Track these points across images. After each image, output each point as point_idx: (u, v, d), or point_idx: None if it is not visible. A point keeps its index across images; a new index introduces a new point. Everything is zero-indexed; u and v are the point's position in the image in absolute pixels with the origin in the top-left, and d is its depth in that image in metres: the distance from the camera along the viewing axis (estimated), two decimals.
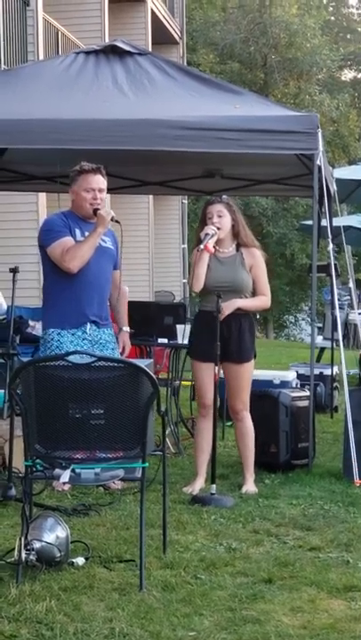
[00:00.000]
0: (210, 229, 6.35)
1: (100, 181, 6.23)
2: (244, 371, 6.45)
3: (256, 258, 6.54)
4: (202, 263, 6.35)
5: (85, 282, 6.20)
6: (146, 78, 7.87)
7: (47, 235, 6.28)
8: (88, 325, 6.27)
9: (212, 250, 6.36)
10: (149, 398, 4.46)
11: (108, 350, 6.31)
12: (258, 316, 36.10)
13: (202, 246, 6.31)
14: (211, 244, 6.34)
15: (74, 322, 6.25)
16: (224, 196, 6.63)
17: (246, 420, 6.52)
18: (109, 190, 11.40)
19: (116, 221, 6.26)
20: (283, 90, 34.86)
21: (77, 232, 6.23)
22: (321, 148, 7.09)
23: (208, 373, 6.38)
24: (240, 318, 6.41)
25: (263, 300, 6.57)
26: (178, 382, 8.10)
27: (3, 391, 7.75)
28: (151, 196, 20.47)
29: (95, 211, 6.16)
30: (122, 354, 6.51)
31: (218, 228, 6.38)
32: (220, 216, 6.43)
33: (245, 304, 6.46)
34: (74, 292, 6.20)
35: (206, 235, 6.33)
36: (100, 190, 6.23)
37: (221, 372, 6.47)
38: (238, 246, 6.51)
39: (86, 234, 6.19)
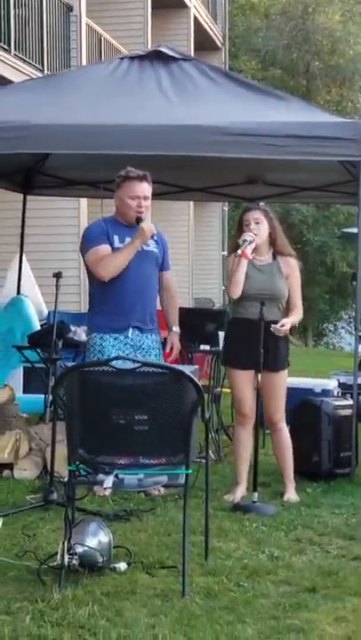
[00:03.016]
0: (248, 236, 6.31)
1: (145, 189, 6.24)
2: (281, 379, 6.40)
3: (293, 267, 6.51)
4: (240, 270, 6.30)
5: (127, 287, 6.22)
6: (190, 84, 7.86)
7: (86, 242, 6.35)
8: (130, 330, 6.28)
9: (250, 256, 6.31)
10: (194, 405, 4.44)
11: (152, 356, 6.31)
12: (298, 324, 36.03)
13: (239, 252, 6.28)
14: (249, 250, 6.29)
15: (116, 327, 6.28)
16: (261, 203, 6.59)
17: (285, 430, 6.48)
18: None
19: (155, 241, 6.31)
20: (325, 97, 34.73)
21: (116, 238, 6.26)
22: None
23: (248, 382, 6.35)
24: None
25: (301, 313, 6.54)
26: (219, 389, 8.07)
27: (44, 396, 7.79)
28: (192, 203, 20.47)
29: (138, 219, 6.17)
30: (170, 354, 6.50)
31: (255, 235, 6.35)
32: (257, 223, 6.38)
33: (293, 320, 6.44)
34: (115, 297, 6.23)
35: (244, 241, 6.29)
36: (145, 198, 6.24)
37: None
38: (275, 254, 6.48)
39: (126, 239, 6.22)
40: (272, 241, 6.48)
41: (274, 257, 6.48)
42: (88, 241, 6.32)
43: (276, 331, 6.24)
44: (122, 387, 4.41)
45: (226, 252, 24.27)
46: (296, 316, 6.48)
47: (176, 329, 6.63)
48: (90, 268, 6.30)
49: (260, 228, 6.39)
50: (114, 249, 6.22)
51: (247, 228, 6.37)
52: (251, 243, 6.30)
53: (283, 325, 6.27)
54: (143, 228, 6.16)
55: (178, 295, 6.84)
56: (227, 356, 6.57)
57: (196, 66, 8.16)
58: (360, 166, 7.02)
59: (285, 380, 6.48)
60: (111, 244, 6.24)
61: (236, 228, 6.60)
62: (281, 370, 6.40)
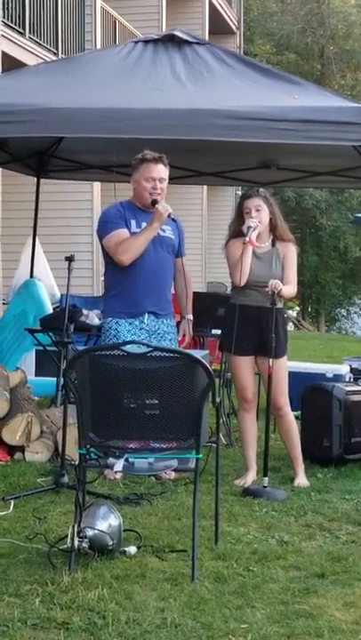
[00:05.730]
0: (252, 222, 6.28)
1: (161, 171, 6.23)
2: (282, 365, 6.40)
3: (289, 249, 6.46)
4: (247, 257, 6.29)
5: (144, 272, 6.21)
6: (204, 68, 7.81)
7: (103, 226, 6.33)
8: (146, 316, 6.28)
9: (256, 243, 6.30)
10: (204, 389, 4.44)
11: (167, 341, 6.31)
12: (310, 309, 35.86)
13: (247, 239, 6.26)
14: (254, 237, 6.28)
15: (132, 312, 6.27)
16: (261, 190, 6.57)
17: (290, 415, 6.48)
18: None
19: (173, 219, 6.28)
20: (339, 81, 34.61)
21: (133, 223, 6.24)
22: None
23: (249, 367, 6.39)
24: (275, 313, 6.23)
25: (294, 288, 6.43)
26: (230, 374, 8.06)
27: (55, 379, 7.80)
28: (205, 187, 20.43)
29: (154, 202, 6.16)
30: (181, 342, 6.50)
31: (258, 222, 6.33)
32: (258, 210, 6.36)
33: (287, 290, 6.29)
34: (132, 282, 6.22)
35: (249, 227, 6.27)
36: (161, 180, 6.23)
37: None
38: (274, 241, 6.47)
39: (143, 224, 6.20)
40: (273, 227, 6.46)
41: (273, 243, 6.47)
42: (106, 225, 6.31)
43: (271, 286, 6.14)
44: (133, 371, 4.42)
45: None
46: (288, 288, 6.34)
47: (189, 317, 6.64)
48: (109, 252, 6.26)
49: (260, 214, 6.37)
50: (131, 233, 6.21)
51: (247, 215, 6.35)
52: (255, 229, 6.29)
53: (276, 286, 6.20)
54: (159, 210, 6.14)
55: (193, 281, 6.84)
56: (226, 343, 6.54)
57: (210, 50, 8.11)
58: None
59: (286, 365, 6.49)
60: (128, 227, 6.23)
61: (235, 215, 6.57)
62: (282, 356, 6.40)
